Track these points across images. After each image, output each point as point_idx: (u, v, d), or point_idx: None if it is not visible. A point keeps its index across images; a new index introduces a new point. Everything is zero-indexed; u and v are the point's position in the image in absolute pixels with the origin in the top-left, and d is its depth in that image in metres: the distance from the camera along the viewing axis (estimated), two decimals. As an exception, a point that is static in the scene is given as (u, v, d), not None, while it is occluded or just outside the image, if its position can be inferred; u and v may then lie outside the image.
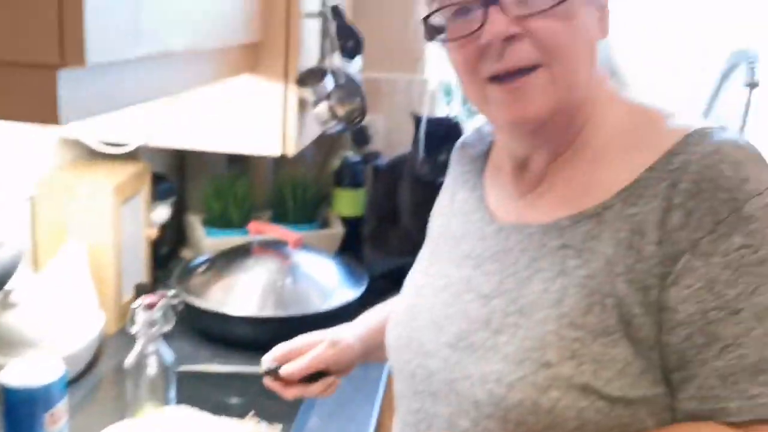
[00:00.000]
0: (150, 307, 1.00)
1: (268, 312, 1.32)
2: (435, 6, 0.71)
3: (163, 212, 1.53)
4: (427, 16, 0.72)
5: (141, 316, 1.00)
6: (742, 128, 1.59)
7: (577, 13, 0.68)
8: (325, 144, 1.93)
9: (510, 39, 0.67)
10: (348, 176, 1.82)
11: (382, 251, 1.71)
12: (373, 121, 1.85)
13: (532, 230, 0.73)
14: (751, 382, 0.61)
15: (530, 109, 0.69)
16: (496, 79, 0.69)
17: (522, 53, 0.68)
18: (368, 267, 1.61)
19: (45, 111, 0.63)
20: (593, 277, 0.67)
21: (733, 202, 0.63)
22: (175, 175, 1.78)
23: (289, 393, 0.92)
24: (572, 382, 0.65)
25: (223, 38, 1.00)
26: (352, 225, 1.79)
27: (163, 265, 1.60)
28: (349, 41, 1.30)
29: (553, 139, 0.74)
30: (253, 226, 1.51)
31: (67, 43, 0.61)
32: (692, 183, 0.64)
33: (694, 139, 0.67)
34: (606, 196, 0.69)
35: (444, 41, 0.72)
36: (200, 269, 1.43)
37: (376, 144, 1.93)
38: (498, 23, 0.67)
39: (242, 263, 1.41)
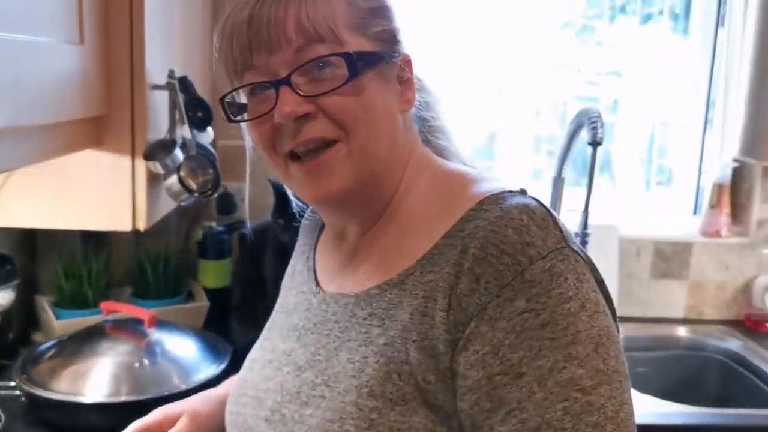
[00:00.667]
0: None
1: (123, 396, 1.25)
2: (233, 86, 0.72)
3: (6, 296, 1.42)
4: (224, 97, 0.73)
5: (-34, 416, 0.92)
6: (589, 184, 1.68)
7: (367, 87, 0.70)
8: (188, 214, 1.89)
9: (305, 116, 0.69)
10: (212, 246, 1.78)
11: (249, 322, 1.66)
12: (237, 188, 1.83)
13: (347, 300, 0.74)
14: None
15: (331, 186, 0.70)
16: (296, 157, 0.71)
17: (317, 130, 0.69)
18: (235, 339, 1.56)
19: None
20: (391, 345, 0.67)
21: (516, 267, 0.63)
22: (24, 254, 1.67)
23: None
24: None
25: (54, 115, 0.96)
26: (218, 297, 1.74)
27: (11, 351, 1.49)
28: (198, 112, 1.28)
29: (363, 210, 0.75)
30: (105, 305, 1.44)
31: None
32: (479, 248, 0.65)
33: (486, 204, 0.68)
34: (409, 263, 0.70)
35: (242, 121, 0.73)
36: (48, 355, 1.34)
37: (242, 212, 1.90)
38: (289, 103, 0.68)
39: (94, 346, 1.33)
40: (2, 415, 1.02)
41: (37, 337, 1.62)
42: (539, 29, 2.01)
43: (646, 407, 1.49)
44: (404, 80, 0.74)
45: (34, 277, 1.70)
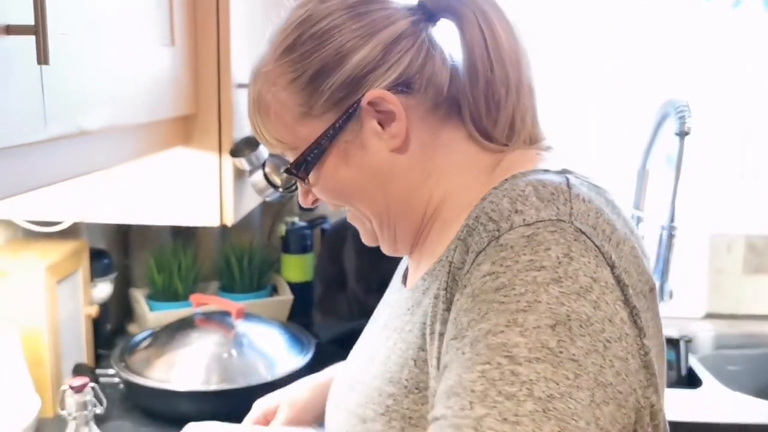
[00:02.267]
0: (78, 389, 0.97)
1: (213, 385, 1.29)
2: None
3: (104, 289, 1.50)
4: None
5: (70, 399, 0.98)
6: (676, 176, 1.63)
7: (332, 169, 0.70)
8: (271, 210, 1.93)
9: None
10: (295, 242, 1.81)
11: (331, 316, 1.70)
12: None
13: (407, 294, 0.75)
14: (443, 404, 0.56)
15: (365, 240, 0.77)
16: None
17: (329, 205, 0.75)
18: (318, 332, 1.60)
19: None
20: (412, 331, 0.68)
21: (495, 232, 0.60)
22: (119, 249, 1.76)
23: None
24: None
25: (148, 114, 1.00)
26: (301, 291, 1.78)
27: (108, 342, 1.56)
28: (281, 110, 1.31)
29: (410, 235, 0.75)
30: (195, 298, 1.50)
31: (-34, 130, 0.61)
32: (473, 219, 0.62)
33: (507, 181, 0.65)
34: (443, 249, 0.69)
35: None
36: (143, 345, 1.41)
37: (323, 208, 1.94)
38: (301, 193, 0.77)
39: (185, 337, 1.38)
40: (104, 400, 1.08)
41: (131, 328, 1.70)
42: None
43: (739, 406, 1.43)
44: (383, 116, 0.68)
45: (128, 271, 1.78)
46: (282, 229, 1.84)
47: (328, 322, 1.68)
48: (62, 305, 1.33)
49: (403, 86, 0.67)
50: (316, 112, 0.68)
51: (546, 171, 0.65)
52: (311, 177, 0.71)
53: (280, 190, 1.30)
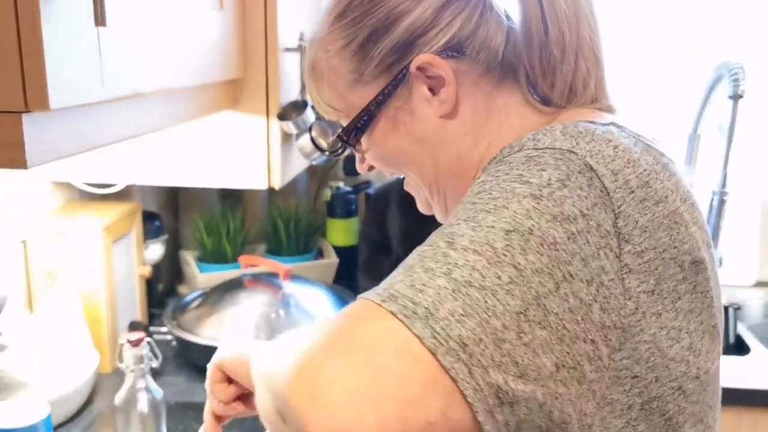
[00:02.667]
0: (135, 343, 1.01)
1: (261, 344, 1.33)
2: None
3: (156, 250, 1.55)
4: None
5: (128, 353, 1.02)
6: (729, 141, 1.60)
7: (383, 135, 0.69)
8: (317, 175, 1.96)
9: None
10: (340, 206, 1.84)
11: (376, 279, 1.71)
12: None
13: None
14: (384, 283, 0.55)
15: (422, 207, 0.76)
16: None
17: (384, 171, 0.75)
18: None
19: (12, 156, 0.65)
20: None
21: (505, 152, 0.60)
22: (169, 212, 1.80)
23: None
24: None
25: (198, 78, 1.02)
26: (346, 254, 1.81)
27: (160, 302, 1.61)
28: (328, 73, 1.32)
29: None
30: (243, 259, 1.53)
31: (29, 90, 0.63)
32: (505, 148, 0.62)
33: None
34: None
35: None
36: (193, 305, 1.45)
37: (368, 173, 1.95)
38: (358, 160, 0.77)
39: (234, 297, 1.42)
40: (159, 354, 1.12)
41: (182, 289, 1.75)
42: None
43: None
44: (433, 82, 0.66)
45: (178, 233, 1.83)
46: (327, 193, 1.86)
47: (373, 285, 1.70)
48: (117, 265, 1.37)
49: (454, 50, 0.66)
50: (367, 79, 0.68)
51: (592, 122, 0.62)
52: (363, 143, 0.71)
53: (327, 153, 1.31)
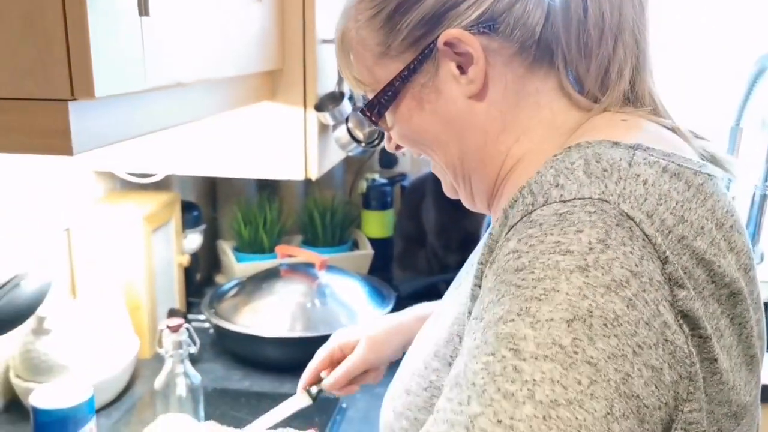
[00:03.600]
0: (174, 329, 1.03)
1: (297, 333, 1.34)
2: None
3: (194, 240, 1.57)
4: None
5: (167, 339, 1.04)
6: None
7: (408, 112, 0.66)
8: (353, 167, 1.97)
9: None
10: (376, 198, 1.84)
11: (410, 271, 1.72)
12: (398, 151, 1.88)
13: (466, 266, 0.75)
14: (446, 394, 0.51)
15: (447, 191, 0.73)
16: None
17: (413, 154, 0.72)
18: (397, 287, 1.63)
19: (58, 143, 0.67)
20: (459, 305, 0.66)
21: (530, 207, 0.54)
22: (207, 203, 1.83)
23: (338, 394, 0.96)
24: (420, 415, 0.66)
25: (237, 68, 1.03)
26: (381, 246, 1.81)
27: (198, 291, 1.64)
28: (364, 65, 1.32)
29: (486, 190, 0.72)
30: (280, 249, 1.55)
31: (76, 79, 0.65)
32: (520, 190, 0.56)
33: (568, 150, 0.58)
34: None
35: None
36: (230, 293, 1.47)
37: (403, 165, 1.95)
38: (386, 138, 0.74)
39: (271, 286, 1.44)
40: (197, 340, 1.14)
41: (219, 278, 1.78)
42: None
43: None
44: (462, 59, 0.63)
45: (216, 223, 1.85)
46: (363, 185, 1.87)
47: (408, 276, 1.71)
48: (157, 254, 1.40)
49: (486, 26, 0.61)
50: (394, 52, 0.65)
51: (615, 144, 0.57)
52: (387, 120, 0.69)
53: (363, 144, 1.32)
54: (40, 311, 1.03)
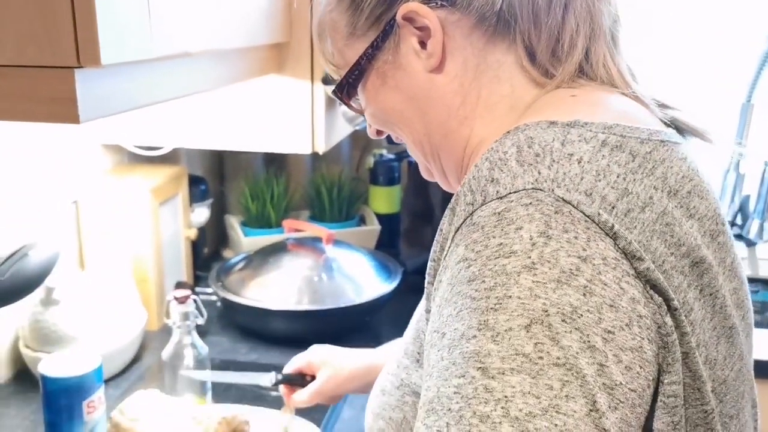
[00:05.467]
0: (182, 301, 1.04)
1: (304, 306, 1.35)
2: None
3: (202, 214, 1.57)
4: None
5: (175, 310, 1.04)
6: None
7: (373, 91, 0.68)
8: (360, 142, 1.96)
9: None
10: (383, 174, 1.84)
11: (417, 247, 1.72)
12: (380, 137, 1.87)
13: None
14: (423, 421, 0.48)
15: (423, 172, 0.73)
16: None
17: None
18: (404, 263, 1.63)
19: (64, 111, 0.67)
20: (422, 301, 0.66)
21: (470, 207, 0.52)
22: (214, 177, 1.83)
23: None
24: (393, 414, 0.67)
25: (245, 40, 1.03)
26: (388, 222, 1.81)
27: (205, 265, 1.65)
28: (372, 38, 1.31)
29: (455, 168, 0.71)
30: (287, 223, 1.55)
31: (82, 46, 0.65)
32: (462, 186, 0.55)
33: (507, 134, 0.57)
34: None
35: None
36: (238, 267, 1.47)
37: (411, 141, 1.94)
38: (368, 125, 0.74)
39: (278, 260, 1.44)
40: (204, 312, 1.15)
41: (226, 253, 1.78)
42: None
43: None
44: (422, 34, 0.63)
45: (223, 198, 1.86)
46: (370, 161, 1.86)
47: (414, 253, 1.71)
48: (164, 227, 1.40)
49: None
50: (359, 32, 0.66)
51: (552, 123, 0.55)
52: (360, 101, 0.70)
53: (370, 118, 1.32)
54: (48, 282, 1.03)
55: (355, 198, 1.83)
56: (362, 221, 1.84)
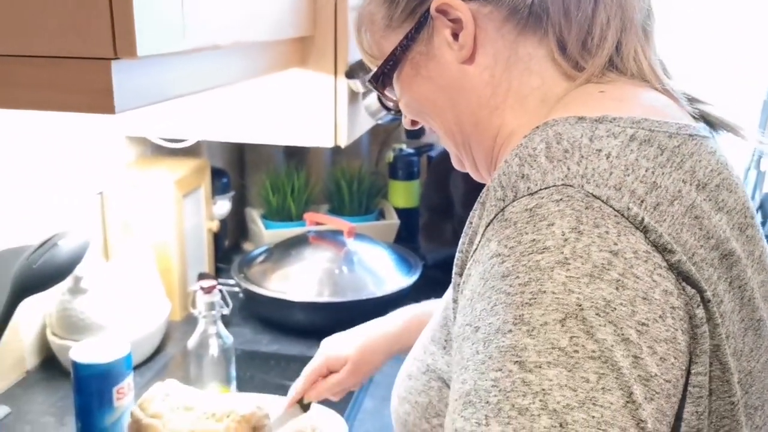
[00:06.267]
0: (208, 290, 1.05)
1: (326, 298, 1.36)
2: None
3: (223, 206, 1.59)
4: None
5: (201, 299, 1.06)
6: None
7: (408, 82, 0.69)
8: (379, 137, 1.97)
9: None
10: (402, 168, 1.85)
11: (436, 241, 1.73)
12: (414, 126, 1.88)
13: None
14: (460, 413, 0.49)
15: (454, 162, 0.76)
16: None
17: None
18: (423, 257, 1.64)
19: (101, 101, 0.68)
20: (450, 289, 0.66)
21: (501, 203, 0.53)
22: (235, 170, 1.85)
23: None
24: (419, 399, 0.67)
25: (271, 33, 1.04)
26: (407, 216, 1.82)
27: (226, 257, 1.66)
28: (396, 32, 1.32)
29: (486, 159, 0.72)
30: (308, 216, 1.56)
31: (119, 38, 0.66)
32: (492, 179, 0.56)
33: (536, 130, 0.58)
34: None
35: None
36: (259, 259, 1.49)
37: (430, 136, 1.95)
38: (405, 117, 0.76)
39: (299, 253, 1.45)
40: (230, 301, 1.16)
41: (246, 245, 1.80)
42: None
43: None
44: (455, 26, 0.64)
45: (243, 191, 1.87)
46: (390, 155, 1.87)
47: (433, 247, 1.72)
48: (187, 219, 1.42)
49: None
50: (395, 24, 0.68)
51: (580, 119, 0.56)
52: (396, 91, 0.72)
53: (392, 112, 1.32)
54: (77, 271, 1.05)
55: (374, 192, 1.83)
56: (381, 215, 1.85)
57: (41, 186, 1.20)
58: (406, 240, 1.79)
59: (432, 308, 0.88)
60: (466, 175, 1.75)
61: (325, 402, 1.01)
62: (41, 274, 0.92)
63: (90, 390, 0.91)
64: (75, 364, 0.91)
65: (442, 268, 1.44)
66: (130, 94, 0.71)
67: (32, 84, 0.69)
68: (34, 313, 1.21)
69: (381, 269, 1.44)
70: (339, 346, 0.98)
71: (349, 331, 1.01)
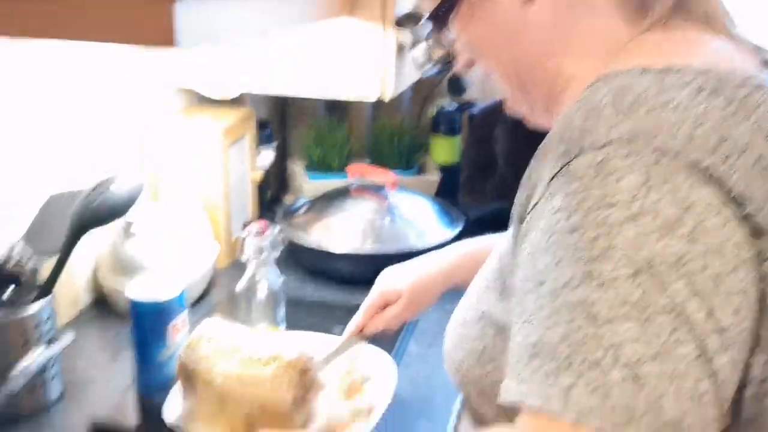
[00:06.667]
0: (259, 234, 1.06)
1: (368, 249, 1.37)
2: None
3: (267, 156, 1.60)
4: None
5: (250, 243, 1.07)
6: None
7: (466, 22, 0.68)
8: (421, 92, 1.96)
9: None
10: (444, 124, 1.84)
11: (476, 197, 1.73)
12: (469, 69, 1.86)
13: None
14: (526, 364, 0.50)
15: (508, 104, 0.75)
16: None
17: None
18: (466, 211, 1.64)
19: (164, 35, 0.69)
20: (507, 241, 0.66)
21: (566, 157, 0.53)
22: (278, 122, 1.85)
23: None
24: (475, 345, 0.68)
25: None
26: (448, 172, 1.82)
27: (268, 208, 1.68)
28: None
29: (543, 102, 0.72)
30: (351, 168, 1.57)
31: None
32: (550, 135, 0.56)
33: (597, 82, 0.57)
34: None
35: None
36: (301, 210, 1.50)
37: (472, 93, 1.93)
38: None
39: (342, 204, 1.46)
40: (283, 242, 1.17)
41: (287, 198, 1.82)
42: None
43: None
44: None
45: (285, 143, 1.88)
46: (432, 111, 1.86)
47: (473, 203, 1.72)
48: (232, 168, 1.44)
49: None
50: None
51: (644, 71, 0.55)
52: (453, 32, 0.71)
53: (440, 64, 1.32)
54: (128, 214, 1.07)
55: (415, 147, 1.83)
56: (421, 170, 1.85)
57: (94, 132, 1.22)
58: (446, 195, 1.79)
59: (487, 245, 0.89)
60: (510, 132, 1.73)
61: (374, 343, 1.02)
62: (99, 212, 0.94)
63: (146, 327, 0.94)
64: (133, 302, 0.94)
65: (485, 224, 1.45)
66: (191, 29, 0.71)
67: (99, 17, 0.70)
68: (87, 256, 1.24)
69: (423, 222, 1.45)
70: (395, 280, 1.00)
71: (404, 264, 1.03)
